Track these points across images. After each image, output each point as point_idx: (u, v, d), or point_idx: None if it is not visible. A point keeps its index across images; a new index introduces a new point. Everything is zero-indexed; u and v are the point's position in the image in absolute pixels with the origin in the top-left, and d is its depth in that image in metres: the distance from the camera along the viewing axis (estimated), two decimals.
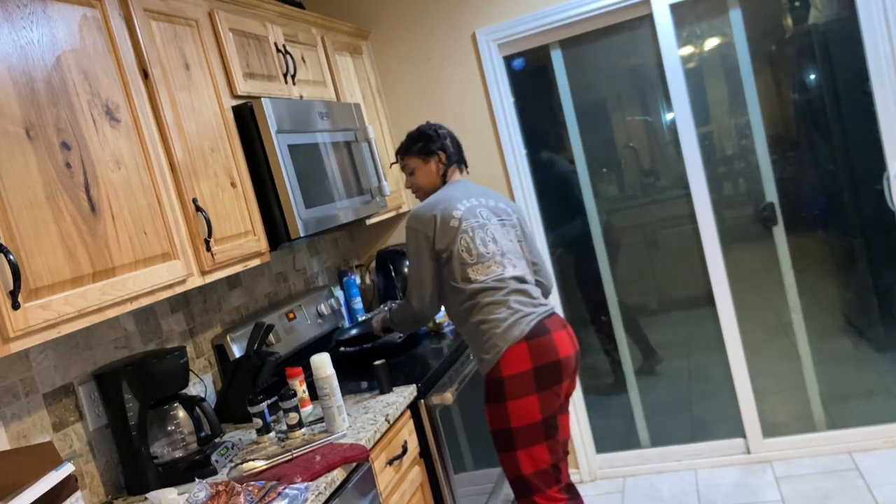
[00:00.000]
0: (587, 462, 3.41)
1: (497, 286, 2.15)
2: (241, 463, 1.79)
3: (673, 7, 3.06)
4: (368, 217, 2.87)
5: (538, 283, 2.42)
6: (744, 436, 3.24)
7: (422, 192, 2.43)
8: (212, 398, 2.34)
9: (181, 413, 1.91)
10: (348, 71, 3.10)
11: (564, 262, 3.43)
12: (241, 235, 2.09)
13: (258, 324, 2.27)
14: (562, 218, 3.40)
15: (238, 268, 2.05)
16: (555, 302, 3.35)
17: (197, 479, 1.77)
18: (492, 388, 2.14)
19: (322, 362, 1.96)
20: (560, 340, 2.15)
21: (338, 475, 1.74)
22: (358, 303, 3.24)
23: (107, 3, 1.73)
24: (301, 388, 2.16)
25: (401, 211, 3.33)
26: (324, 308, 2.89)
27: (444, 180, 2.39)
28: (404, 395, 2.18)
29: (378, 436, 1.95)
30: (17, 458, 1.40)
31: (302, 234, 2.21)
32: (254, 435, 2.11)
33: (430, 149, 2.39)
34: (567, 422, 2.33)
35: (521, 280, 2.21)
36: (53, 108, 1.51)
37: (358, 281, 3.32)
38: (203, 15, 2.13)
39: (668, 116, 3.17)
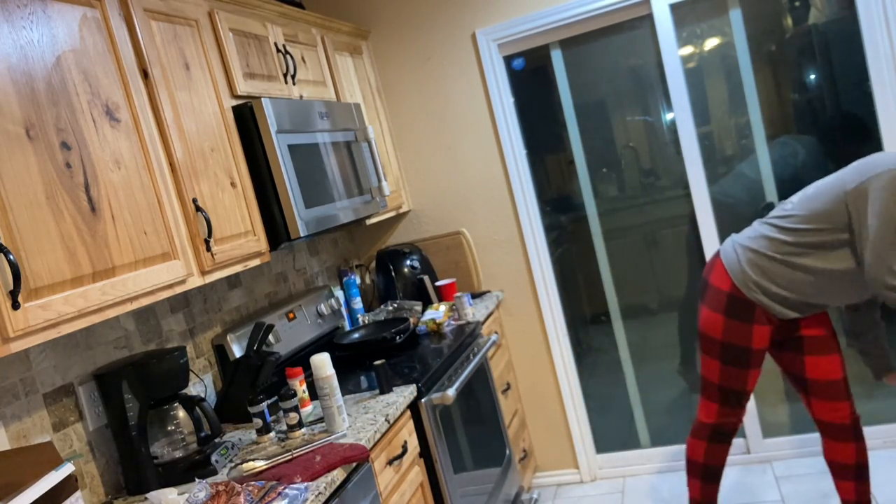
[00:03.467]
0: (587, 462, 3.41)
1: None
2: (241, 463, 1.79)
3: (673, 7, 3.06)
4: (368, 217, 2.87)
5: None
6: (744, 436, 3.24)
7: None
8: (212, 398, 2.34)
9: (181, 413, 1.91)
10: (348, 71, 3.10)
11: (564, 262, 3.43)
12: (241, 235, 2.09)
13: (258, 324, 2.27)
14: (561, 217, 3.40)
15: (238, 268, 2.05)
16: (554, 301, 3.35)
17: (197, 479, 1.77)
18: None
19: (322, 362, 1.96)
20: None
21: (338, 475, 1.74)
22: (358, 303, 3.25)
23: (107, 3, 1.73)
24: (301, 388, 2.16)
25: (401, 211, 3.33)
26: (324, 308, 2.90)
27: None
28: (404, 395, 2.18)
29: (378, 436, 1.95)
30: (17, 458, 1.40)
31: (302, 234, 2.21)
32: (254, 435, 2.11)
33: None
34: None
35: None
36: (53, 108, 1.51)
37: (358, 281, 3.32)
38: (203, 15, 2.13)
39: (668, 116, 3.17)
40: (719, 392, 2.40)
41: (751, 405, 3.19)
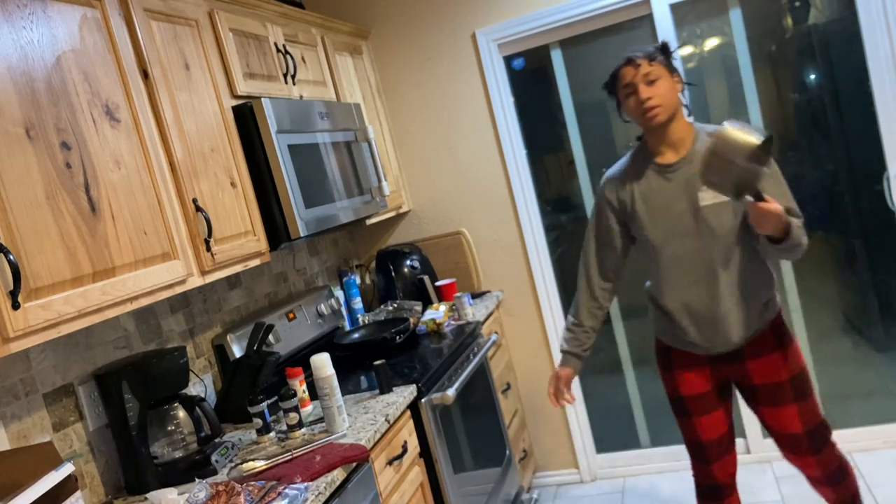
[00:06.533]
0: (587, 462, 3.41)
1: None
2: (241, 463, 1.79)
3: (673, 7, 3.06)
4: (368, 217, 2.87)
5: None
6: (744, 436, 3.24)
7: (661, 111, 1.96)
8: (212, 398, 2.34)
9: (181, 413, 1.91)
10: (348, 71, 3.10)
11: (564, 262, 3.43)
12: (241, 235, 2.09)
13: (258, 324, 2.27)
14: (561, 217, 3.41)
15: (238, 268, 2.05)
16: (555, 302, 3.35)
17: (197, 479, 1.77)
18: (780, 330, 2.08)
19: (322, 362, 1.96)
20: None
21: (338, 475, 1.74)
22: (358, 303, 3.25)
23: (107, 3, 1.73)
24: (301, 388, 2.16)
25: (401, 211, 3.33)
26: (324, 308, 2.90)
27: (680, 109, 2.03)
28: (404, 395, 2.18)
29: (378, 436, 1.95)
30: (17, 458, 1.40)
31: (302, 234, 2.21)
32: (254, 435, 2.11)
33: (672, 65, 2.02)
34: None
35: None
36: (53, 108, 1.51)
37: (358, 281, 3.32)
38: (203, 15, 2.13)
39: None
40: (686, 447, 2.24)
41: None
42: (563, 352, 2.23)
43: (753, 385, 2.09)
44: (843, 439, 3.11)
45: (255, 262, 2.15)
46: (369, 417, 2.03)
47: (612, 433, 3.46)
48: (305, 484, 1.64)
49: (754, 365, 2.07)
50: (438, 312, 2.92)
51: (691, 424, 2.18)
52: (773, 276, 2.09)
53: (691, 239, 2.00)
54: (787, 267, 3.13)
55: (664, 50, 2.01)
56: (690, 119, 2.08)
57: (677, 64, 3.06)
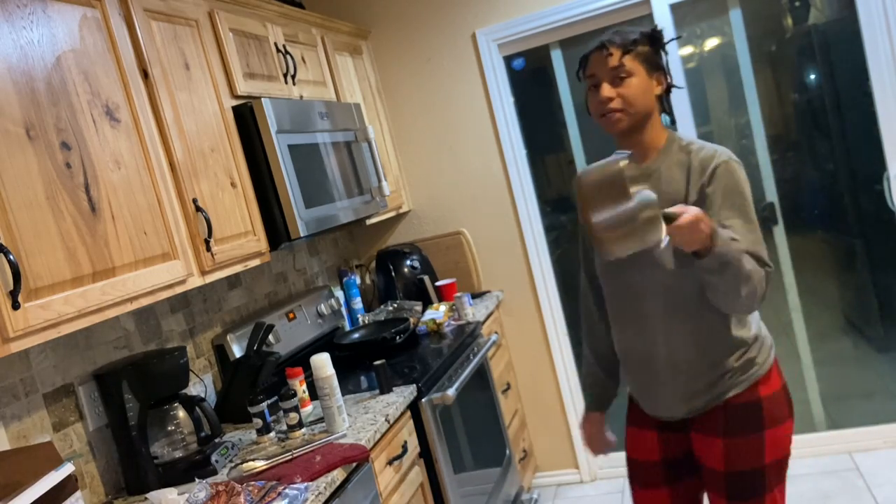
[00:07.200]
0: (587, 462, 3.41)
1: None
2: (241, 463, 1.79)
3: (673, 7, 3.06)
4: (368, 217, 2.87)
5: None
6: None
7: (623, 116, 1.56)
8: (212, 398, 2.34)
9: (181, 413, 1.91)
10: (348, 71, 3.10)
11: (564, 262, 3.43)
12: (241, 235, 2.09)
13: (258, 324, 2.27)
14: (561, 217, 3.41)
15: (238, 268, 2.05)
16: (555, 302, 3.35)
17: (197, 479, 1.77)
18: (744, 414, 1.61)
19: (322, 362, 1.96)
20: None
21: (338, 475, 1.74)
22: (358, 303, 3.24)
23: (107, 3, 1.73)
24: (301, 388, 2.16)
25: (401, 211, 3.33)
26: (324, 308, 2.89)
27: (654, 115, 1.63)
28: (404, 395, 2.18)
29: (378, 436, 1.95)
30: (17, 458, 1.40)
31: (302, 234, 2.21)
32: (254, 435, 2.11)
33: (656, 60, 1.60)
34: None
35: None
36: (53, 108, 1.51)
37: (358, 281, 3.32)
38: (203, 15, 2.13)
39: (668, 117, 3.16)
40: None
41: None
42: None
43: (697, 460, 1.72)
44: (844, 439, 3.11)
45: (255, 262, 2.15)
46: (369, 417, 2.03)
47: (612, 433, 3.45)
48: (305, 484, 1.64)
49: (696, 439, 1.69)
50: (438, 312, 2.92)
51: (632, 492, 1.83)
52: (746, 345, 1.62)
53: (630, 270, 1.64)
54: (787, 267, 3.14)
55: (653, 39, 1.58)
56: (678, 131, 1.74)
57: (676, 64, 3.06)
